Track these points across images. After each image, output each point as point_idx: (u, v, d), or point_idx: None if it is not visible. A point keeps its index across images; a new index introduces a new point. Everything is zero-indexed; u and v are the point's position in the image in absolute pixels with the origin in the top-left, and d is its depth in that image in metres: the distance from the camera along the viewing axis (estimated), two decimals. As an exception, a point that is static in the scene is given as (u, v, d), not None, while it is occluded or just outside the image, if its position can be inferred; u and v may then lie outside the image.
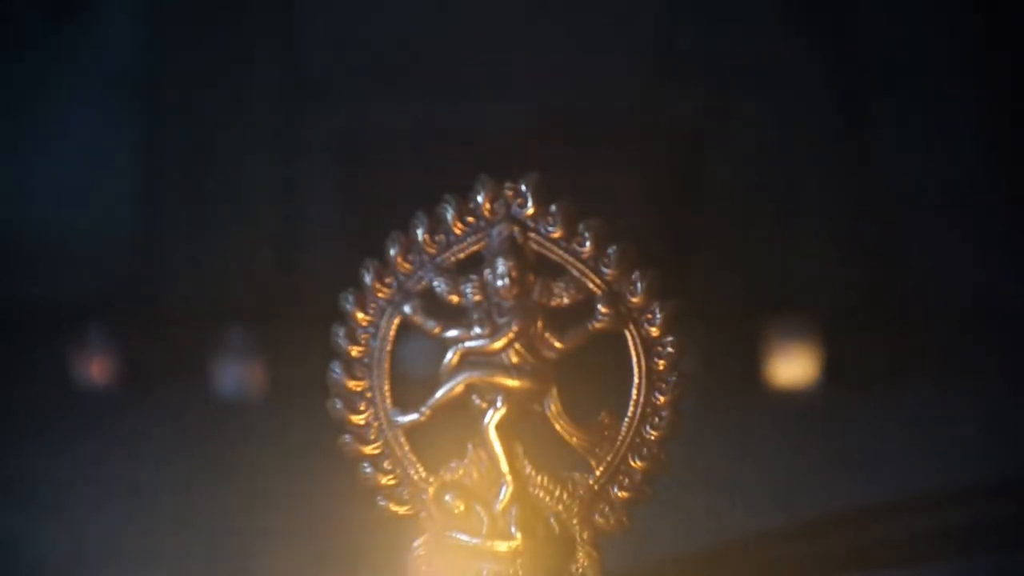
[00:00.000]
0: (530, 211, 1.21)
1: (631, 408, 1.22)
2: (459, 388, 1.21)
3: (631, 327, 1.21)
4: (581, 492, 1.23)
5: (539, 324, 1.21)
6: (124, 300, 2.94)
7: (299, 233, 3.10)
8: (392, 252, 1.24)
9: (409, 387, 1.27)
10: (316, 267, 3.04)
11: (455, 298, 1.22)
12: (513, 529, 1.22)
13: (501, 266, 1.20)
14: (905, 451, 1.97)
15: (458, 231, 1.23)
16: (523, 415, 1.22)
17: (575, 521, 1.23)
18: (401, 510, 1.26)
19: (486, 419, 1.21)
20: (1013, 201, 3.08)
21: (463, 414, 1.23)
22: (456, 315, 1.22)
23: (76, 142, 3.08)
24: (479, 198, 1.22)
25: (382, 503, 1.26)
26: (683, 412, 1.23)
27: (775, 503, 1.65)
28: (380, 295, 1.24)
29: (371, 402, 1.24)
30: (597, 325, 1.20)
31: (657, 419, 1.22)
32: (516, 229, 1.21)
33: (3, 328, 2.74)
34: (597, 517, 1.24)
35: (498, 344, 1.20)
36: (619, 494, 1.23)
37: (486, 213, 1.22)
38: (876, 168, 3.12)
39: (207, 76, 3.08)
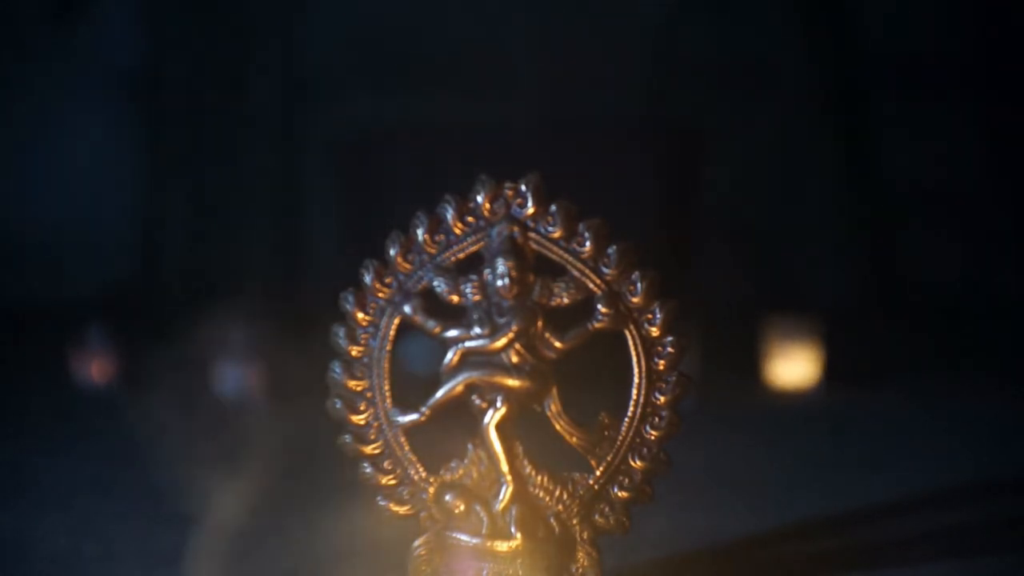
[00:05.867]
0: (530, 211, 1.21)
1: (631, 408, 1.22)
2: (459, 388, 1.21)
3: (631, 327, 1.21)
4: (581, 492, 1.23)
5: (539, 324, 1.21)
6: (124, 300, 2.94)
7: (299, 233, 3.10)
8: (392, 252, 1.24)
9: (409, 387, 1.27)
10: (316, 267, 3.05)
11: (455, 298, 1.22)
12: (513, 529, 1.22)
13: (501, 266, 1.20)
14: (905, 450, 1.97)
15: (458, 231, 1.23)
16: (523, 415, 1.22)
17: (575, 521, 1.23)
18: (401, 510, 1.26)
19: (486, 419, 1.21)
20: (1013, 201, 3.08)
21: (463, 414, 1.23)
22: (456, 315, 1.22)
23: (77, 142, 3.08)
24: (479, 198, 1.22)
25: (382, 503, 1.26)
26: (683, 412, 1.23)
27: (775, 503, 1.65)
28: (380, 295, 1.24)
29: (371, 402, 1.24)
30: (597, 325, 1.20)
31: (657, 419, 1.22)
32: (516, 229, 1.21)
33: (3, 328, 2.74)
34: (597, 517, 1.24)
35: (498, 344, 1.20)
36: (619, 494, 1.23)
37: (486, 213, 1.22)
38: (876, 167, 3.12)
39: (207, 76, 3.08)
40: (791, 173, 3.12)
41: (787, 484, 1.76)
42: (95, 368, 2.46)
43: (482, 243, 1.22)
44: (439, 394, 1.21)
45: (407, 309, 1.23)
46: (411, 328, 1.24)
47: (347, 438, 1.25)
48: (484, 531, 1.22)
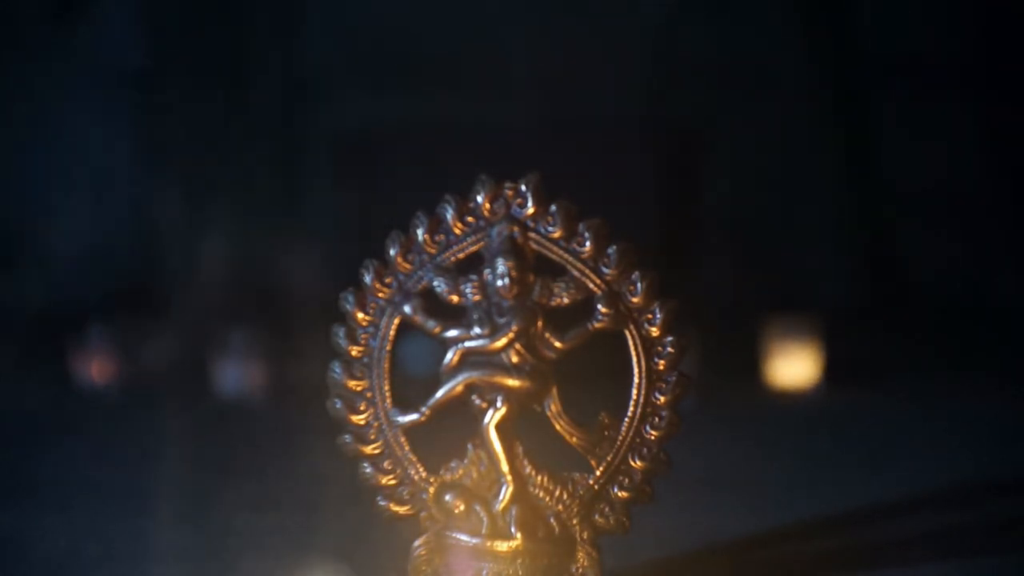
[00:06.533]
0: (530, 211, 1.21)
1: (631, 408, 1.22)
2: (459, 388, 1.21)
3: (631, 327, 1.21)
4: (581, 492, 1.23)
5: (539, 324, 1.21)
6: (124, 300, 2.94)
7: (299, 233, 3.10)
8: (392, 252, 1.24)
9: (409, 387, 1.27)
10: (316, 267, 3.05)
11: (455, 298, 1.22)
12: (513, 529, 1.22)
13: (501, 266, 1.20)
14: (905, 450, 1.97)
15: (458, 231, 1.23)
16: (523, 415, 1.22)
17: (575, 521, 1.23)
18: (401, 510, 1.26)
19: (486, 419, 1.21)
20: (1012, 200, 3.08)
21: (463, 414, 1.23)
22: (456, 315, 1.22)
23: (76, 142, 3.08)
24: (479, 198, 1.22)
25: (382, 503, 1.26)
26: (683, 412, 1.23)
27: (775, 503, 1.65)
28: (380, 295, 1.24)
29: (371, 402, 1.24)
30: (597, 325, 1.20)
31: (657, 419, 1.22)
32: (516, 229, 1.21)
33: (4, 328, 2.74)
34: (597, 517, 1.24)
35: (498, 344, 1.20)
36: (619, 494, 1.23)
37: (486, 213, 1.22)
38: (876, 167, 3.12)
39: (207, 75, 3.08)
40: (791, 173, 3.12)
41: (787, 484, 1.76)
42: (95, 368, 2.46)
43: (482, 243, 1.22)
44: (439, 394, 1.21)
45: (407, 309, 1.23)
46: (411, 328, 1.24)
47: (347, 438, 1.25)
48: (484, 531, 1.22)
